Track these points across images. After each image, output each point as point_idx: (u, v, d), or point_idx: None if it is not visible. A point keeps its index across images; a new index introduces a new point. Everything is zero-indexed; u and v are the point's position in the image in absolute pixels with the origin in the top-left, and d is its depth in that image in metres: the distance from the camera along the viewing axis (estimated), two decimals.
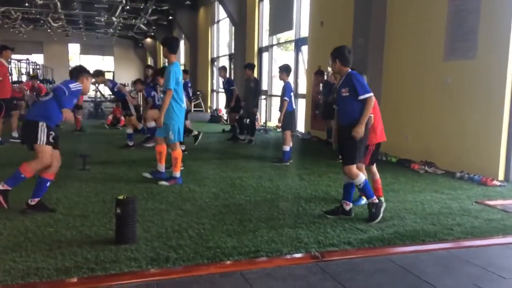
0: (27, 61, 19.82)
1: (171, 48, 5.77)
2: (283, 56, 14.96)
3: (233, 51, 17.24)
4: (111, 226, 3.84)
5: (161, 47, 5.90)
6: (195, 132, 8.90)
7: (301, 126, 12.20)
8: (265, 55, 15.02)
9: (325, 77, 10.26)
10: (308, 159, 8.09)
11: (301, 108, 12.30)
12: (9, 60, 17.32)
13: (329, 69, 10.42)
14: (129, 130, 9.12)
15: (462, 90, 6.88)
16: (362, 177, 4.34)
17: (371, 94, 4.28)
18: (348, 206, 4.47)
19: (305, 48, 12.13)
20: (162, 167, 6.06)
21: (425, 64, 7.57)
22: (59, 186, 5.41)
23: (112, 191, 5.25)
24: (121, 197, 3.65)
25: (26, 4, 20.13)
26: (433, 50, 7.36)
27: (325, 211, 4.57)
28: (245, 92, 10.36)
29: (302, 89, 12.52)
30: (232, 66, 17.55)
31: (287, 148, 7.60)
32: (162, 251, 3.40)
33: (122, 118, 12.04)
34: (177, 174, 5.85)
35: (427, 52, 7.50)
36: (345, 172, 4.38)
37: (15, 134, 9.45)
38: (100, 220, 4.15)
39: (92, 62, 33.26)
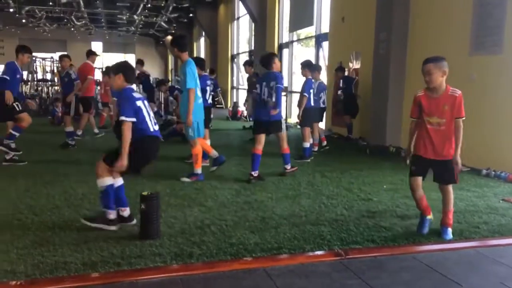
0: (52, 59, 20.20)
1: (181, 46, 5.77)
2: (303, 52, 14.88)
3: (253, 48, 17.23)
4: (136, 222, 3.89)
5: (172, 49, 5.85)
6: None
7: (322, 122, 12.13)
8: (285, 51, 14.96)
9: (346, 73, 10.17)
10: (330, 155, 8.04)
11: None
12: (34, 58, 17.75)
13: (350, 65, 10.33)
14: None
15: (488, 86, 6.72)
16: None
17: None
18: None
19: (325, 44, 12.04)
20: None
21: (450, 59, 7.34)
22: (84, 182, 5.52)
23: (135, 187, 5.31)
24: (145, 193, 3.70)
25: (50, 3, 20.50)
26: (458, 45, 7.20)
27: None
28: (248, 88, 10.44)
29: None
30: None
31: (307, 144, 7.56)
32: (186, 247, 3.44)
33: None
34: (199, 170, 5.89)
35: (452, 47, 7.34)
36: None
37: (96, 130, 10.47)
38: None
39: (114, 60, 33.74)
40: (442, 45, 7.59)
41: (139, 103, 3.82)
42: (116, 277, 2.91)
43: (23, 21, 24.26)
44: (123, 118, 3.71)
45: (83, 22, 25.04)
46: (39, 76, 19.01)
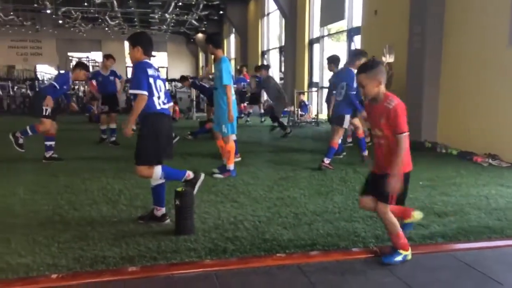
0: (87, 59, 20.82)
1: (217, 43, 5.81)
2: (334, 47, 14.70)
3: (283, 44, 17.17)
4: (170, 217, 3.96)
5: (206, 47, 5.90)
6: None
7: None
8: (316, 46, 14.82)
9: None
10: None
11: None
12: (70, 58, 18.35)
13: (383, 59, 10.13)
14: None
15: None
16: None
17: None
18: None
19: (357, 38, 11.85)
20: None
21: (488, 50, 7.15)
22: (120, 178, 5.65)
23: (168, 183, 5.39)
24: (179, 189, 3.76)
25: (85, 4, 21.07)
26: (496, 36, 6.93)
27: None
28: (270, 90, 10.52)
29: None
30: (282, 59, 17.48)
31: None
32: (220, 242, 3.47)
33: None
34: (231, 166, 5.93)
35: (490, 39, 7.07)
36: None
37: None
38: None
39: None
40: (479, 37, 7.33)
41: (150, 80, 3.77)
42: (153, 271, 2.97)
43: (60, 22, 25.02)
44: (135, 91, 3.73)
45: (117, 21, 25.59)
46: None
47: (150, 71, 3.81)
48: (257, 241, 3.52)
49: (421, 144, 8.13)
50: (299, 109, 13.63)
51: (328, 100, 8.38)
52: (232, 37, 26.73)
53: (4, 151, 7.28)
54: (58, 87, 6.79)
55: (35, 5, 19.94)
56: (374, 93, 3.13)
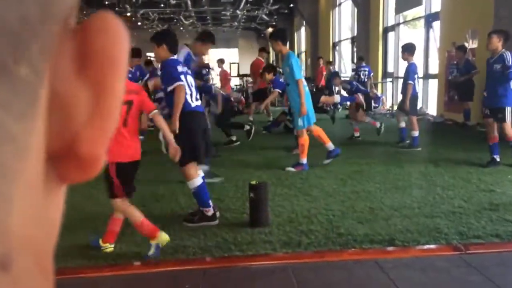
0: None
1: (284, 39, 5.85)
2: (410, 35, 14.03)
3: (355, 34, 16.71)
4: (245, 210, 4.04)
5: (272, 43, 5.89)
6: (247, 127, 8.31)
7: (432, 108, 11.36)
8: (391, 35, 14.24)
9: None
10: (443, 144, 7.50)
11: (432, 89, 11.45)
12: (149, 58, 19.31)
13: (466, 44, 9.49)
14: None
15: None
16: None
17: None
18: None
19: (436, 24, 11.20)
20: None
21: None
22: None
23: (242, 176, 5.49)
24: (254, 182, 3.81)
25: (162, 5, 22.05)
26: None
27: None
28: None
29: (433, 69, 11.61)
30: (354, 50, 17.02)
31: (416, 133, 7.16)
32: (294, 236, 3.48)
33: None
34: (304, 160, 5.91)
35: None
36: None
37: None
38: (234, 204, 4.39)
39: (219, 55, 35.20)
40: None
41: (182, 77, 3.68)
42: (231, 261, 3.06)
43: (139, 23, 26.41)
44: (172, 86, 3.64)
45: (191, 21, 26.49)
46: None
47: (180, 68, 3.74)
48: (331, 235, 3.48)
49: None
50: (373, 102, 13.21)
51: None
52: (303, 29, 26.51)
53: None
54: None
55: (116, 8, 21.23)
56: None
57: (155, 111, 3.24)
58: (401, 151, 7.01)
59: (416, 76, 7.15)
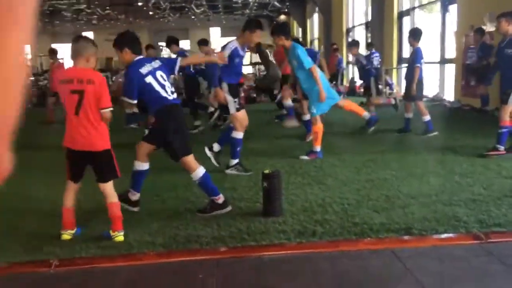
0: None
1: (287, 33, 5.80)
2: (426, 19, 13.71)
3: (369, 19, 16.41)
4: (258, 199, 3.99)
5: (274, 39, 5.84)
6: (211, 109, 8.30)
7: (449, 93, 11.13)
8: (406, 19, 13.94)
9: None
10: (460, 129, 7.34)
11: (449, 73, 11.19)
12: (161, 48, 19.32)
13: (484, 27, 9.22)
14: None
15: None
16: None
17: None
18: None
19: (453, 8, 10.91)
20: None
21: None
22: (208, 159, 5.77)
23: (256, 165, 5.44)
24: (267, 171, 3.76)
25: None
26: None
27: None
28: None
29: (450, 53, 11.34)
30: (368, 35, 16.73)
31: (427, 117, 7.01)
32: (308, 225, 3.43)
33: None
34: (318, 148, 5.83)
35: None
36: None
37: None
38: (247, 193, 4.35)
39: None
40: None
41: (148, 79, 3.66)
42: (244, 251, 3.02)
43: (150, 13, 26.35)
44: (124, 98, 3.79)
45: (202, 9, 26.32)
46: None
47: (145, 69, 3.69)
48: (346, 224, 3.42)
49: None
50: (387, 88, 13.00)
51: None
52: (315, 16, 26.16)
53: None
54: None
55: None
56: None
57: (107, 109, 3.24)
58: (417, 138, 6.88)
59: (422, 60, 7.00)
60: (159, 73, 3.75)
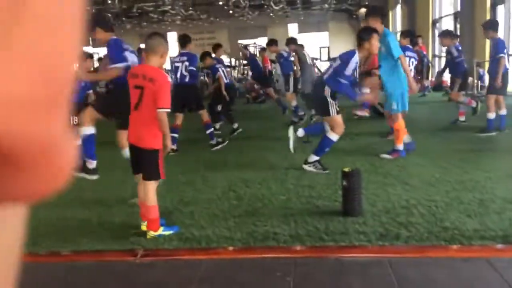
0: (254, 45, 21.96)
1: (383, 16, 5.66)
2: None
3: (459, 9, 15.33)
4: (337, 198, 3.87)
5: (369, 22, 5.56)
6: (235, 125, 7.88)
7: None
8: (500, 8, 12.80)
9: None
10: None
11: None
12: (241, 45, 19.63)
13: None
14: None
15: None
16: None
17: None
18: None
19: None
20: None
21: None
22: (286, 157, 5.73)
23: (334, 163, 5.29)
24: (346, 169, 3.62)
25: None
26: None
27: None
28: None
29: None
30: (457, 27, 15.63)
31: (492, 115, 6.52)
32: (391, 227, 3.24)
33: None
34: (400, 146, 5.53)
35: None
36: None
37: None
38: (326, 191, 4.23)
39: (309, 39, 34.70)
40: None
41: (126, 53, 4.15)
42: (323, 251, 2.93)
43: (230, 12, 26.92)
44: (116, 65, 4.08)
45: (281, 6, 26.35)
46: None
47: (124, 45, 4.24)
48: (435, 228, 3.18)
49: None
50: (478, 81, 12.06)
51: None
52: (398, 7, 25.06)
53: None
54: None
55: None
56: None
57: (164, 110, 3.21)
58: (475, 137, 6.38)
59: (505, 51, 6.41)
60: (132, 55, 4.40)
